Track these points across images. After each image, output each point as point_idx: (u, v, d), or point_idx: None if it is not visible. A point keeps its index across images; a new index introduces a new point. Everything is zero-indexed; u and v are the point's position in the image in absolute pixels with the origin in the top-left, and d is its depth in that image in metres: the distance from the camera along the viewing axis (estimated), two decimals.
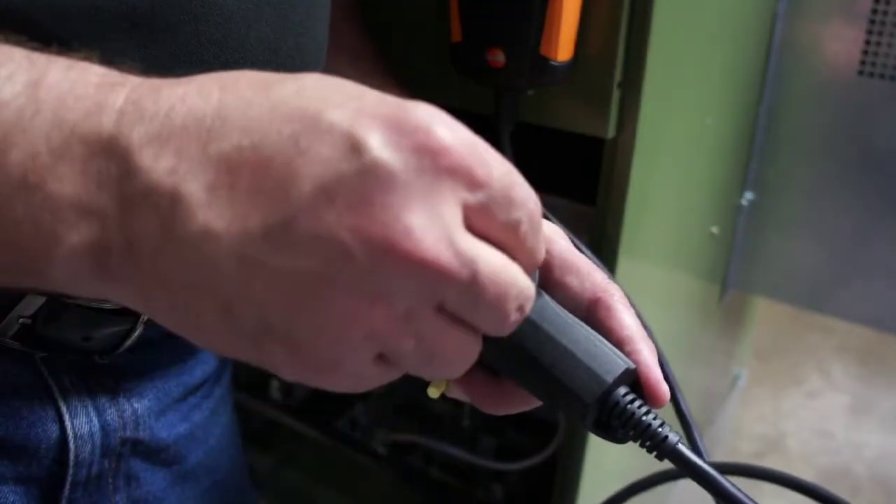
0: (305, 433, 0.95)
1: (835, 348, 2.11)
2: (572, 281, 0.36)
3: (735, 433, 1.73)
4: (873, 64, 0.82)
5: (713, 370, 1.10)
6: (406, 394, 0.91)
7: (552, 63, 0.56)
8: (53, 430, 0.43)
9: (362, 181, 0.23)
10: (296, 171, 0.24)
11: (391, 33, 0.65)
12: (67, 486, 0.44)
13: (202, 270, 0.24)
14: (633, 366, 0.33)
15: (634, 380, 0.33)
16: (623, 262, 0.64)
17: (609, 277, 0.42)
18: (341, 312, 0.24)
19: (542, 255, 0.29)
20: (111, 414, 0.45)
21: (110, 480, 0.47)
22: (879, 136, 0.84)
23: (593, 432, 0.33)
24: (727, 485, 0.31)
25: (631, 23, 0.57)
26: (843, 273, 0.90)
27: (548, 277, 0.36)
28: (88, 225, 0.25)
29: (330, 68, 0.49)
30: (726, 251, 0.94)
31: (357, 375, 0.27)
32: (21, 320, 0.39)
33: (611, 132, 0.60)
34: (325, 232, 0.23)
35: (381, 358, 0.27)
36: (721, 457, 1.30)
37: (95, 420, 0.44)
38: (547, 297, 0.33)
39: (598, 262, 0.58)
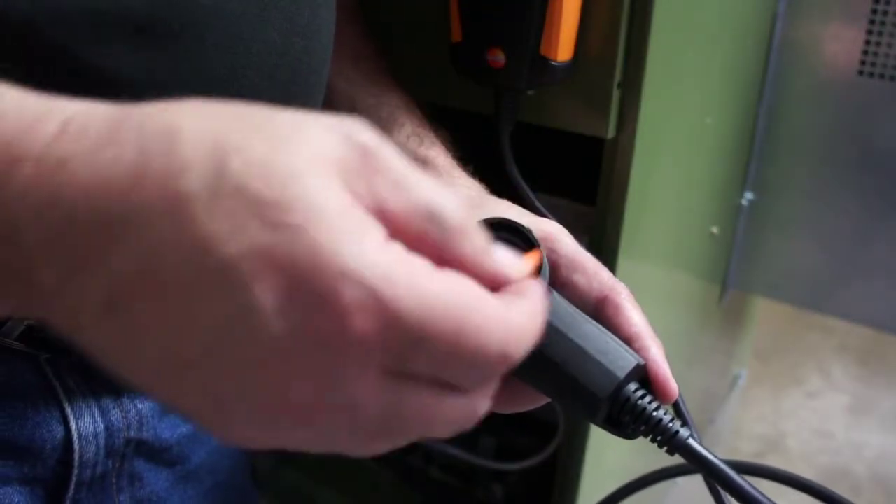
0: None
1: (835, 348, 2.11)
2: (580, 279, 0.36)
3: (735, 433, 1.73)
4: (873, 64, 0.82)
5: (713, 370, 1.10)
6: None
7: (552, 63, 0.56)
8: (58, 430, 0.43)
9: (251, 341, 0.21)
10: (191, 316, 0.21)
11: (391, 33, 0.66)
12: (72, 487, 0.44)
13: (117, 367, 0.23)
14: (643, 361, 0.33)
15: (643, 376, 0.34)
16: (623, 262, 0.64)
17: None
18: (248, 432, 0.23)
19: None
20: (115, 414, 0.45)
21: (114, 481, 0.47)
22: (879, 136, 0.84)
23: (604, 428, 0.34)
24: (737, 477, 0.32)
25: (631, 23, 0.57)
26: (843, 273, 0.90)
27: (555, 276, 0.37)
28: (2, 309, 0.24)
29: (332, 69, 0.49)
30: (726, 251, 0.94)
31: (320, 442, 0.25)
32: (26, 322, 0.39)
33: (611, 132, 0.60)
34: (216, 386, 0.22)
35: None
36: (721, 456, 1.30)
37: (100, 420, 0.44)
38: (557, 295, 0.34)
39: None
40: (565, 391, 0.33)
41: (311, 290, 0.21)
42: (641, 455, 0.78)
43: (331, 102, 0.54)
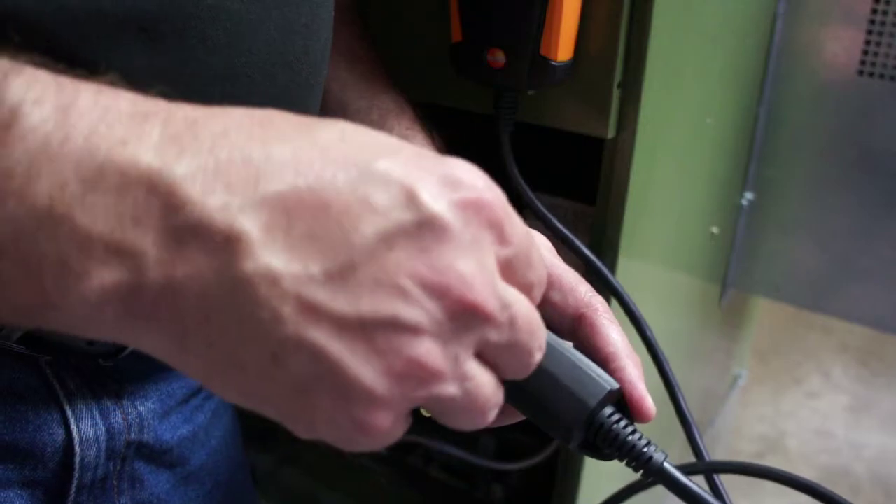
0: None
1: (835, 348, 2.11)
2: (556, 297, 0.36)
3: (735, 433, 1.73)
4: (873, 64, 0.82)
5: (713, 370, 1.10)
6: None
7: (552, 63, 0.56)
8: (59, 433, 0.43)
9: (420, 231, 0.24)
10: (356, 218, 0.24)
11: (391, 33, 0.66)
12: (73, 490, 0.44)
13: (257, 314, 0.23)
14: (616, 386, 0.33)
15: (620, 397, 0.34)
16: (623, 262, 0.64)
17: (609, 275, 0.42)
18: (402, 356, 0.24)
19: None
20: (116, 417, 0.45)
21: (115, 483, 0.47)
22: (879, 136, 0.84)
23: (580, 452, 0.34)
24: (714, 502, 0.32)
25: (631, 23, 0.57)
26: (843, 273, 0.90)
27: None
28: (121, 262, 0.23)
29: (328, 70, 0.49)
30: (726, 251, 0.94)
31: (387, 432, 0.26)
32: None
33: (611, 132, 0.60)
34: (387, 278, 0.24)
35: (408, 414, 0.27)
36: (721, 457, 1.30)
37: (101, 423, 0.44)
38: None
39: (595, 260, 0.58)
40: (539, 417, 0.33)
41: (456, 184, 0.26)
42: None
43: (324, 104, 0.54)
